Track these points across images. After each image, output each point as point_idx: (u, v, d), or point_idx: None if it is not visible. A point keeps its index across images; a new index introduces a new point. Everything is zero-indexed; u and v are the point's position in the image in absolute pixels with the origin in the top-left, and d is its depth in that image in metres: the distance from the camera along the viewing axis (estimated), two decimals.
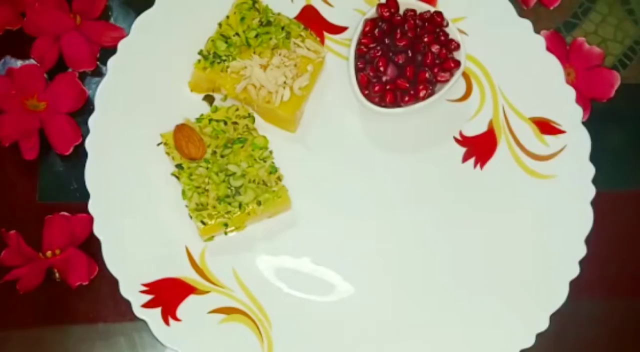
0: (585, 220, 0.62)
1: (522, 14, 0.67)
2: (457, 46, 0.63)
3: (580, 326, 0.63)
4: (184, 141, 0.59)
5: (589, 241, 0.61)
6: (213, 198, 0.58)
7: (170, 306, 0.58)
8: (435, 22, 0.63)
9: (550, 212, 0.63)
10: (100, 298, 0.60)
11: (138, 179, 0.61)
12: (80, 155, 0.61)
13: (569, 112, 0.65)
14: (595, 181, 0.62)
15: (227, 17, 0.62)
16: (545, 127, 0.65)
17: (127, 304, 0.57)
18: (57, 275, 0.60)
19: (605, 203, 0.63)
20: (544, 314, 0.59)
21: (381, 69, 0.62)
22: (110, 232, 0.59)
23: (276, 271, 0.60)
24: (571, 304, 0.60)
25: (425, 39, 0.62)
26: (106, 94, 0.62)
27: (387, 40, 0.63)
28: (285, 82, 0.61)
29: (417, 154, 0.64)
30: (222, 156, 0.59)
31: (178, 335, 0.57)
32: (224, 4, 0.63)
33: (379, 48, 0.62)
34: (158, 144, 0.60)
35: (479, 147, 0.64)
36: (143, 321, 0.57)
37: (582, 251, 0.61)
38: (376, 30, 0.63)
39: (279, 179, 0.59)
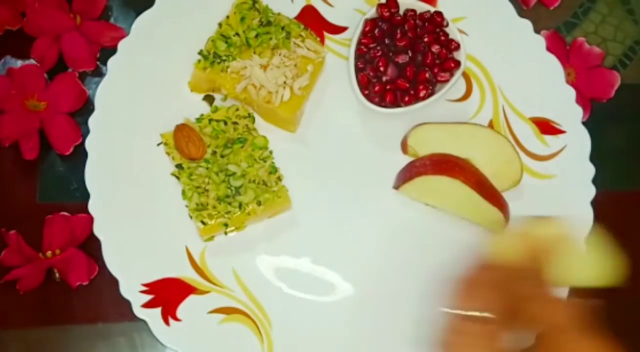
0: (585, 220, 0.62)
1: (522, 14, 0.67)
2: (457, 46, 0.63)
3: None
4: (184, 141, 0.59)
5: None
6: (213, 198, 0.58)
7: (170, 306, 0.58)
8: (435, 22, 0.63)
9: (550, 212, 0.62)
10: (100, 298, 0.60)
11: (138, 179, 0.61)
12: (80, 155, 0.61)
13: (569, 112, 0.65)
14: (595, 181, 0.63)
15: (227, 17, 0.62)
16: (545, 127, 0.65)
17: (127, 304, 0.57)
18: (57, 275, 0.60)
19: (605, 203, 0.63)
20: None
21: (381, 69, 0.62)
22: (110, 232, 0.59)
23: (276, 271, 0.60)
24: None
25: (426, 39, 0.62)
26: (106, 94, 0.62)
27: (387, 40, 0.63)
28: (285, 82, 0.61)
29: None
30: (222, 156, 0.59)
31: (178, 335, 0.57)
32: (224, 4, 0.63)
33: (379, 48, 0.62)
34: (158, 144, 0.60)
35: None
36: (143, 321, 0.57)
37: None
38: (376, 30, 0.63)
39: (279, 179, 0.59)
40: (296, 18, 0.65)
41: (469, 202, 0.59)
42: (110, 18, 0.67)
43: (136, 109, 0.62)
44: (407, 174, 0.61)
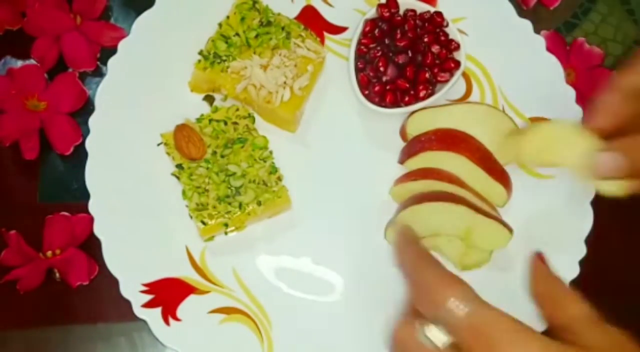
0: (585, 220, 0.62)
1: (522, 14, 0.67)
2: (457, 46, 0.63)
3: None
4: (184, 141, 0.59)
5: (589, 241, 0.61)
6: (213, 198, 0.58)
7: (170, 306, 0.58)
8: (435, 22, 0.63)
9: (550, 212, 0.63)
10: (100, 298, 0.60)
11: (138, 179, 0.61)
12: (80, 155, 0.61)
13: (569, 112, 0.65)
14: None
15: (227, 17, 0.62)
16: None
17: (127, 304, 0.57)
18: (57, 275, 0.60)
19: (605, 203, 0.63)
20: None
21: (381, 69, 0.62)
22: (110, 232, 0.59)
23: (276, 271, 0.60)
24: None
25: (426, 39, 0.62)
26: (106, 94, 0.62)
27: (387, 41, 0.63)
28: (285, 82, 0.61)
29: None
30: (222, 156, 0.59)
31: (178, 335, 0.57)
32: (224, 4, 0.63)
33: (379, 48, 0.62)
34: (158, 144, 0.60)
35: None
36: (143, 321, 0.57)
37: (582, 251, 0.61)
38: (376, 31, 0.63)
39: (279, 179, 0.59)
40: (296, 18, 0.65)
41: (473, 177, 0.59)
42: (110, 18, 0.67)
43: (136, 109, 0.62)
44: (413, 149, 0.61)
